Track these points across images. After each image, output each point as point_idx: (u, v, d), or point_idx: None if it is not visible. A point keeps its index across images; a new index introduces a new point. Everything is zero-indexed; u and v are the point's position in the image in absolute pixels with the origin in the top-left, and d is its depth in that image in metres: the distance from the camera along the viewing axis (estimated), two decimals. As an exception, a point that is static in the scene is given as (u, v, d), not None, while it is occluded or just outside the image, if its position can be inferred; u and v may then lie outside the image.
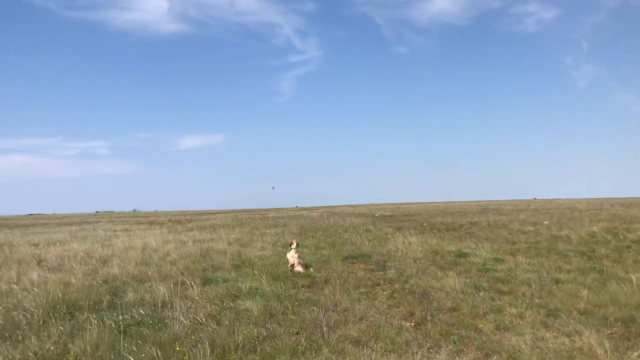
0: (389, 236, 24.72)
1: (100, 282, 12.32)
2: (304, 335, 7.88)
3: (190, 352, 6.77)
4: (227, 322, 8.38)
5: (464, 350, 7.45)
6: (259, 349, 7.13)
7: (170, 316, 8.62)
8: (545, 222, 32.41)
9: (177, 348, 6.92)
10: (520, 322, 8.56)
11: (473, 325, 8.53)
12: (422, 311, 9.75)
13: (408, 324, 9.00)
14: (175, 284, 11.74)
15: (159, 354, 6.65)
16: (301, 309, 9.68)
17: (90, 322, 8.05)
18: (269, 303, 9.70)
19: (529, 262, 14.62)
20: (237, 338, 7.38)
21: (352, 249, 20.04)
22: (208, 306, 9.49)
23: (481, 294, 10.90)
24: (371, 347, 7.44)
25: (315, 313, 9.23)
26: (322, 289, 11.99)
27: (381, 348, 7.42)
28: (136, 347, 6.98)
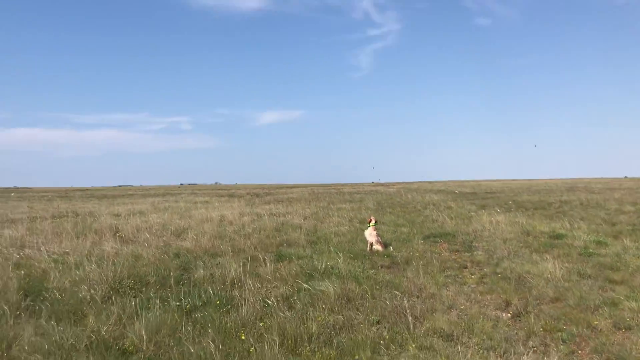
0: (473, 214, 23.23)
1: (172, 255, 11.92)
2: (386, 327, 6.94)
3: (258, 344, 5.98)
4: (300, 306, 7.58)
5: (577, 353, 6.26)
6: (335, 341, 6.25)
7: (239, 296, 7.91)
8: (646, 202, 29.65)
9: (242, 337, 6.16)
10: (644, 319, 7.19)
11: (584, 320, 7.25)
12: (519, 300, 8.57)
13: (504, 315, 7.87)
14: (248, 260, 11.12)
15: (222, 343, 5.92)
16: (382, 293, 8.75)
17: (154, 302, 7.49)
18: (346, 285, 8.81)
19: (639, 247, 12.92)
20: (310, 326, 6.53)
21: (433, 227, 18.85)
22: (280, 287, 8.75)
23: (587, 282, 9.53)
24: (465, 344, 6.41)
25: (398, 299, 8.28)
26: (403, 270, 11.01)
27: (476, 345, 6.36)
28: (199, 334, 6.30)
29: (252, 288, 8.51)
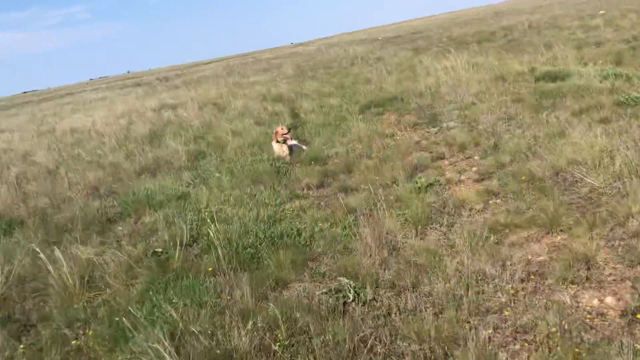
0: (415, 63, 18.12)
1: None
2: None
3: None
4: None
5: None
6: None
7: None
8: (602, 12, 25.38)
9: None
10: None
11: None
12: (610, 250, 3.94)
13: (613, 316, 3.22)
14: (57, 235, 5.91)
15: None
16: (310, 297, 3.83)
17: None
18: (226, 308, 3.85)
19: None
20: None
21: (370, 91, 13.81)
22: None
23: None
24: None
25: (349, 326, 3.42)
26: (345, 191, 6.17)
27: None
28: None
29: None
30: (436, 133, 8.57)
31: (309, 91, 16.39)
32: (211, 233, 4.56)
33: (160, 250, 4.86)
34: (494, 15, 53.31)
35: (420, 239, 4.71)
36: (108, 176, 8.57)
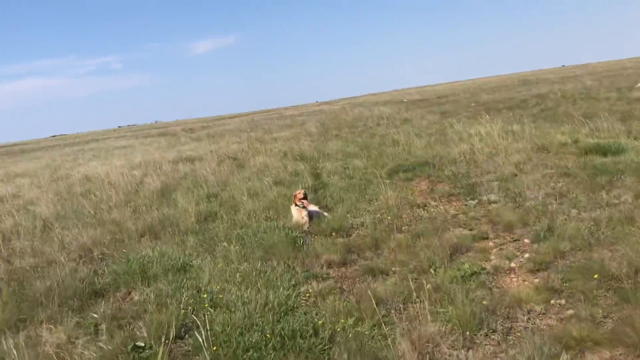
0: (446, 126, 17.32)
1: None
2: None
3: None
4: None
5: None
6: None
7: None
8: (639, 85, 24.58)
9: None
10: None
11: None
12: None
13: None
14: (28, 314, 4.99)
15: None
16: None
17: None
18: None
19: None
20: None
21: (398, 154, 13.00)
22: None
23: None
24: None
25: None
26: (372, 274, 5.23)
27: None
28: None
29: None
30: (475, 206, 7.60)
31: (333, 150, 15.68)
32: (201, 338, 3.57)
33: (142, 344, 3.89)
34: (522, 83, 53.03)
35: (470, 349, 3.70)
36: (107, 234, 7.69)
